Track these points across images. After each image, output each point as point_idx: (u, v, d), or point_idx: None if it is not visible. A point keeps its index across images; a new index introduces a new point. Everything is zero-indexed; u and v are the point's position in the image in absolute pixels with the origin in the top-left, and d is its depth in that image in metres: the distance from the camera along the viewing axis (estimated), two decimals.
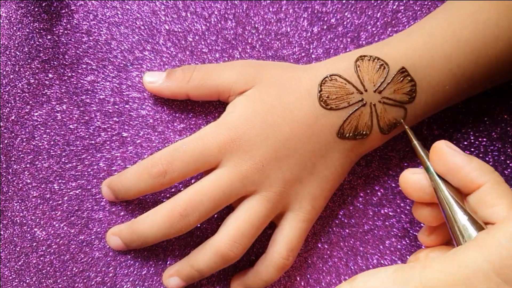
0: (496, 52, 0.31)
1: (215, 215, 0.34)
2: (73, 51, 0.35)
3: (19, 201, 0.34)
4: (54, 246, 0.34)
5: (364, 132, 0.31)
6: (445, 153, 0.25)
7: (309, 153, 0.31)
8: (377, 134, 0.31)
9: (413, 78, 0.30)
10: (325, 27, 0.36)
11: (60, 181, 0.34)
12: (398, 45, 0.31)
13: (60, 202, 0.34)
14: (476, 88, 0.32)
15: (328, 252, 0.35)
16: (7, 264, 0.34)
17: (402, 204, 0.35)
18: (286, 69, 0.32)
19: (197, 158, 0.30)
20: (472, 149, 0.35)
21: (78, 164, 0.34)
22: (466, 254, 0.21)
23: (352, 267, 0.34)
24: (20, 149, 0.35)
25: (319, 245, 0.35)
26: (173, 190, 0.34)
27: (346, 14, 0.36)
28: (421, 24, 0.32)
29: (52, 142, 0.35)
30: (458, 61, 0.30)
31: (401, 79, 0.30)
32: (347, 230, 0.35)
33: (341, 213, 0.35)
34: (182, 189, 0.34)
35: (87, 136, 0.35)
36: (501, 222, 0.21)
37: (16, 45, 0.35)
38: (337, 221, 0.35)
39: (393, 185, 0.35)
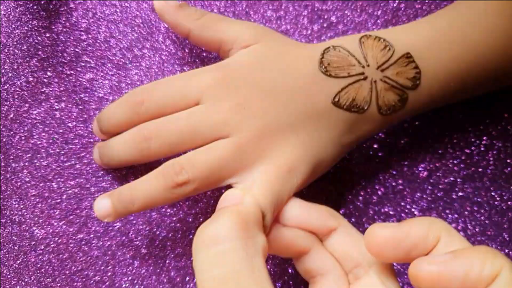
0: (505, 59, 0.30)
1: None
2: (71, 49, 0.35)
3: (18, 200, 0.34)
4: (52, 245, 0.34)
5: (360, 106, 0.29)
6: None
7: (300, 111, 0.29)
8: (375, 112, 0.30)
9: (418, 65, 0.30)
10: (325, 25, 0.36)
11: (59, 179, 0.34)
12: (406, 33, 0.30)
13: (58, 200, 0.34)
14: (482, 89, 0.32)
15: None
16: (6, 263, 0.34)
17: (402, 203, 0.35)
18: (294, 40, 0.32)
19: (178, 90, 0.29)
20: (473, 148, 0.35)
21: (77, 162, 0.34)
22: None
23: None
24: (18, 147, 0.34)
25: None
26: None
27: (346, 12, 0.36)
28: (430, 18, 0.31)
29: (50, 140, 0.35)
30: (465, 62, 0.30)
31: (406, 63, 0.30)
32: None
33: (341, 212, 0.35)
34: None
35: (86, 134, 0.35)
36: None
37: (15, 43, 0.35)
38: None
39: (393, 184, 0.35)
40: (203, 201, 0.34)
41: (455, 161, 0.35)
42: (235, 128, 0.28)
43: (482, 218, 0.35)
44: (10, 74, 0.35)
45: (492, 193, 0.35)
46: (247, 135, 0.28)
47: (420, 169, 0.35)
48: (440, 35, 0.30)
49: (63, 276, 0.34)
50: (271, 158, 0.28)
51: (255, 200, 0.25)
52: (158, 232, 0.34)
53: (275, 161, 0.28)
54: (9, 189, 0.34)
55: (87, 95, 0.35)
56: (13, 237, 0.34)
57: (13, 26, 0.35)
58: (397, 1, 0.36)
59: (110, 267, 0.34)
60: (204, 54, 0.35)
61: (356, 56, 0.29)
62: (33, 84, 0.35)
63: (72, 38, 0.35)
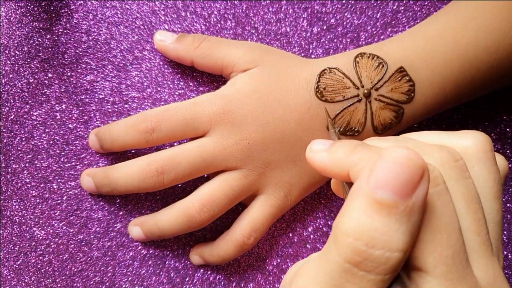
0: (497, 58, 0.31)
1: (226, 217, 0.34)
2: (72, 50, 0.35)
3: (18, 201, 0.34)
4: (53, 246, 0.34)
5: (355, 129, 0.31)
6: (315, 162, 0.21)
7: (296, 140, 0.31)
8: (370, 133, 0.31)
9: (411, 78, 0.30)
10: (324, 27, 0.36)
11: (59, 180, 0.34)
12: (398, 46, 0.31)
13: (59, 201, 0.34)
14: (476, 92, 0.32)
15: None
16: (6, 263, 0.34)
17: None
18: (290, 57, 0.33)
19: (187, 122, 0.31)
20: None
21: (77, 163, 0.34)
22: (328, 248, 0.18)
23: None
24: (19, 148, 0.35)
25: (318, 246, 0.35)
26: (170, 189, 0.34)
27: (346, 14, 0.36)
28: (422, 26, 0.32)
29: (51, 142, 0.35)
30: (458, 65, 0.30)
31: (399, 78, 0.30)
32: None
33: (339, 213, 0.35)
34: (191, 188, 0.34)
35: (86, 135, 0.35)
36: (344, 206, 0.17)
37: (16, 44, 0.35)
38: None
39: None
40: None
41: None
42: (242, 163, 0.31)
43: None
44: (11, 76, 0.35)
45: None
46: (252, 168, 0.31)
47: None
48: (432, 42, 0.31)
49: (63, 277, 0.34)
50: (271, 187, 0.32)
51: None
52: None
53: (273, 191, 0.32)
54: (9, 190, 0.34)
55: (87, 96, 0.35)
56: (14, 237, 0.34)
57: (14, 27, 0.35)
58: (396, 4, 0.36)
59: (110, 267, 0.34)
60: None
61: (351, 77, 0.31)
62: (33, 85, 0.35)
63: (72, 39, 0.35)
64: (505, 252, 0.35)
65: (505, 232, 0.35)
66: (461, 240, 0.17)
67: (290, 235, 0.35)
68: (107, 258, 0.34)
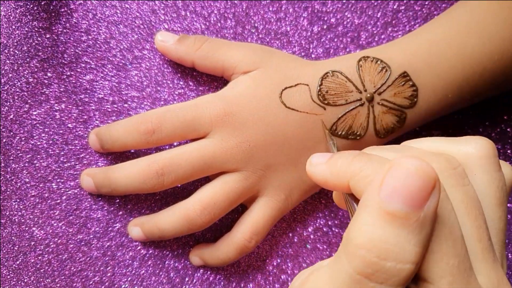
0: (501, 65, 0.30)
1: (225, 217, 0.34)
2: (72, 50, 0.35)
3: (18, 200, 0.34)
4: (52, 245, 0.34)
5: (357, 133, 0.31)
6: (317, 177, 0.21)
7: (298, 143, 0.31)
8: (372, 137, 0.31)
9: (414, 83, 0.30)
10: (325, 26, 0.36)
11: (58, 180, 0.34)
12: (402, 49, 0.31)
13: (58, 201, 0.34)
14: (479, 97, 0.32)
15: (327, 252, 0.34)
16: (5, 263, 0.34)
17: None
18: (292, 59, 0.33)
19: (188, 124, 0.31)
20: None
21: (77, 163, 0.34)
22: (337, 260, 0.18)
23: None
24: (18, 148, 0.34)
25: (319, 246, 0.35)
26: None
27: (346, 13, 0.36)
28: (426, 29, 0.32)
29: (50, 141, 0.35)
30: (462, 71, 0.30)
31: (403, 83, 0.30)
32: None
33: (340, 213, 0.35)
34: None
35: (85, 135, 0.35)
36: (353, 219, 0.17)
37: (15, 43, 0.35)
38: (336, 222, 0.35)
39: None
40: None
41: None
42: (243, 165, 0.31)
43: None
44: (10, 75, 0.35)
45: None
46: (253, 170, 0.31)
47: None
48: (436, 47, 0.30)
49: (63, 277, 0.34)
50: (271, 190, 0.31)
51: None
52: None
53: (274, 193, 0.31)
54: (9, 189, 0.34)
55: (87, 96, 0.35)
56: (13, 237, 0.34)
57: (14, 27, 0.35)
58: (397, 3, 0.36)
59: (109, 267, 0.34)
60: None
61: (354, 81, 0.31)
62: (33, 85, 0.35)
63: (72, 39, 0.35)
64: (505, 253, 0.35)
65: (505, 234, 0.35)
66: (465, 248, 0.17)
67: (290, 235, 0.35)
68: (107, 258, 0.34)
